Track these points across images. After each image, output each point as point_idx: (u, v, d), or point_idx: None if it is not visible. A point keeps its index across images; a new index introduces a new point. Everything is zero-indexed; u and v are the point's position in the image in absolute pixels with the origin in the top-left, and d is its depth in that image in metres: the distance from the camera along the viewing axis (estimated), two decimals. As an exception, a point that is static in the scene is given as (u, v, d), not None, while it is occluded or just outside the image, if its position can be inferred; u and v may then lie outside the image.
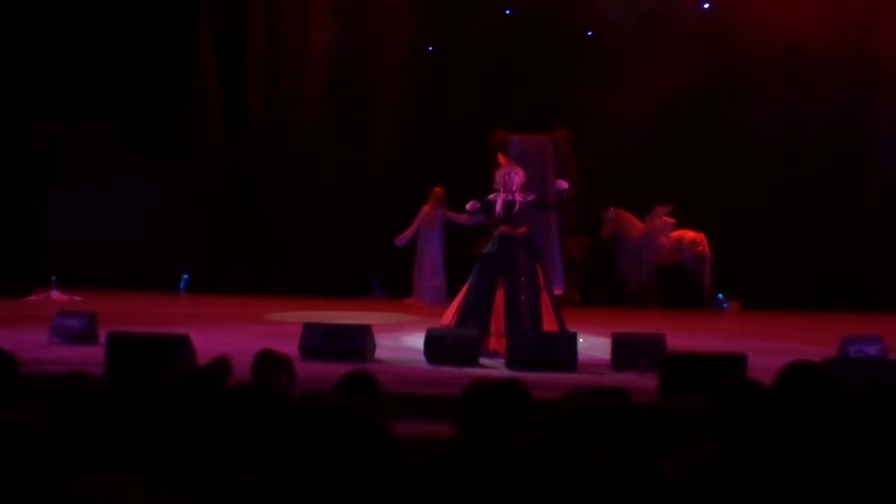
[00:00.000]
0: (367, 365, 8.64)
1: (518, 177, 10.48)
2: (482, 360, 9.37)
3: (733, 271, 15.32)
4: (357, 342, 9.37)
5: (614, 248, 15.88)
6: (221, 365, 4.68)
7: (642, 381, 8.26)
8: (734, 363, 7.88)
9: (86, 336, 9.96)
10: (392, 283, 16.00)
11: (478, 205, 10.57)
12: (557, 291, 12.26)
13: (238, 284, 15.90)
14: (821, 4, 15.28)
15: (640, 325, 12.44)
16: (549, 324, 10.13)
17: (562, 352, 9.14)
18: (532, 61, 16.25)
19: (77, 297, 14.47)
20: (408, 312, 14.16)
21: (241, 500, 2.88)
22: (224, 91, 16.78)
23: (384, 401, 4.16)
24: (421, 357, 9.36)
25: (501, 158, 11.18)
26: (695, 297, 15.21)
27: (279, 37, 16.75)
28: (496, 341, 9.82)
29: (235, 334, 10.88)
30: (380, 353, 9.60)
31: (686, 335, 11.64)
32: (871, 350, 9.24)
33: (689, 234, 15.38)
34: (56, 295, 14.59)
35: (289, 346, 7.96)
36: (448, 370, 8.77)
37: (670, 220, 15.50)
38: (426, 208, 15.46)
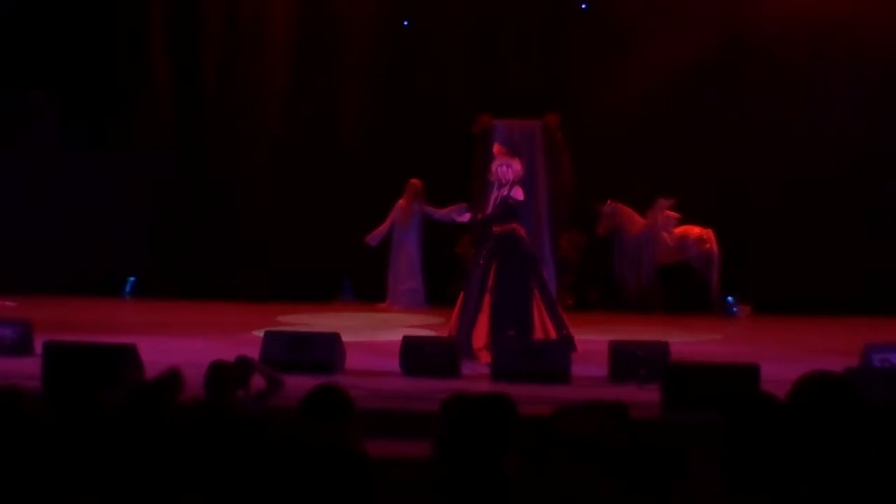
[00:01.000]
0: (336, 377, 8.63)
1: (514, 169, 10.44)
2: (469, 370, 9.38)
3: (744, 271, 15.37)
4: (325, 352, 9.36)
5: (612, 246, 15.90)
6: (172, 378, 4.67)
7: (643, 395, 8.28)
8: (745, 374, 7.90)
9: (20, 346, 9.91)
10: (363, 285, 15.98)
11: (466, 211, 10.67)
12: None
13: (190, 287, 15.85)
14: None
15: (640, 331, 12.46)
16: (543, 330, 10.19)
17: (553, 362, 9.15)
18: (520, 38, 16.26)
19: (10, 303, 14.39)
20: (382, 318, 14.14)
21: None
22: (174, 75, 16.73)
23: (355, 418, 4.15)
24: (396, 368, 9.35)
25: (497, 148, 11.11)
26: (701, 301, 15.25)
27: (237, 21, 16.71)
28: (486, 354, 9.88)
29: (188, 343, 10.83)
30: (350, 364, 9.59)
31: (692, 343, 11.67)
32: (897, 358, 9.29)
33: (695, 231, 15.42)
34: (-14, 300, 14.53)
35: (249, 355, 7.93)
36: (427, 382, 8.77)
37: (674, 214, 15.54)
38: (401, 202, 15.45)
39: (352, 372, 9.35)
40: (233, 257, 16.28)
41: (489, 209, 10.51)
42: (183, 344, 10.83)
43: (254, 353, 9.05)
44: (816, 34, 15.58)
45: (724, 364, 8.48)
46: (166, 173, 16.59)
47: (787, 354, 10.61)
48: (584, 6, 16.31)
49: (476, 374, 9.38)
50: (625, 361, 9.11)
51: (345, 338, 9.73)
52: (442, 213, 15.29)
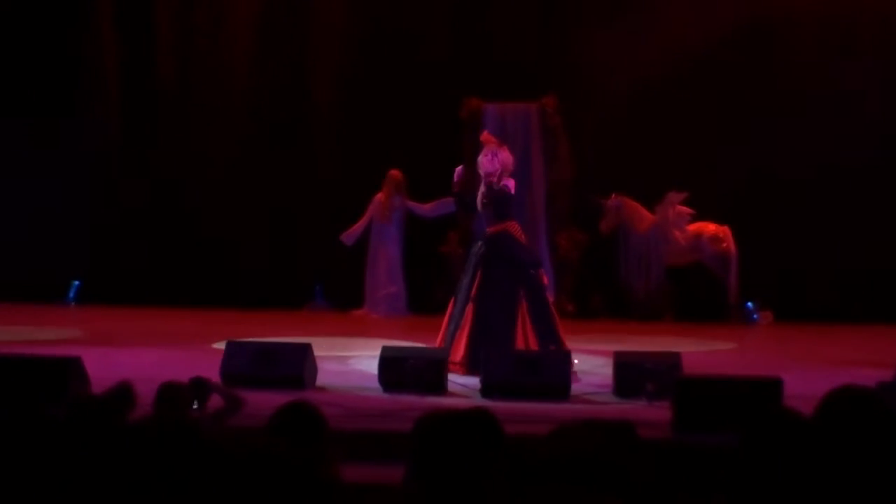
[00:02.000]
0: (306, 394, 8.62)
1: (501, 158, 10.45)
2: (455, 385, 9.39)
3: (765, 274, 15.41)
4: (294, 365, 9.34)
5: (617, 245, 15.93)
6: (122, 393, 4.67)
7: (652, 412, 8.30)
8: (766, 389, 7.92)
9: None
10: (337, 290, 15.98)
11: (453, 199, 10.66)
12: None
13: (142, 293, 15.82)
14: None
15: (649, 341, 12.47)
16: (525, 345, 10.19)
17: (550, 375, 9.15)
18: (513, 10, 16.26)
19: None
20: (358, 327, 14.15)
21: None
22: (124, 61, 16.72)
23: (329, 439, 4.16)
24: (374, 383, 9.35)
25: (485, 136, 11.12)
26: (717, 307, 15.29)
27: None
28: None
29: (140, 355, 10.81)
30: (322, 379, 9.59)
31: (706, 354, 11.69)
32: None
33: (710, 228, 15.46)
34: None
35: (208, 370, 7.92)
36: (408, 400, 8.77)
37: (686, 210, 15.57)
38: (380, 196, 15.46)
39: (324, 388, 9.35)
40: (190, 260, 16.26)
41: (478, 206, 10.50)
42: (134, 356, 10.80)
43: (213, 366, 9.05)
44: (846, 8, 15.64)
45: (743, 378, 8.49)
46: (115, 166, 16.56)
47: (813, 367, 10.63)
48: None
49: (464, 391, 9.38)
50: (631, 375, 9.11)
51: (316, 350, 9.71)
52: (426, 209, 15.32)
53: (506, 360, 9.39)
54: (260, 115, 16.61)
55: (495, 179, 10.38)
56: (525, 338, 10.10)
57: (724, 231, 15.40)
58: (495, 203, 10.37)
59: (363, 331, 13.67)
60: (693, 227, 15.56)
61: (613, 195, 15.71)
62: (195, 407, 5.69)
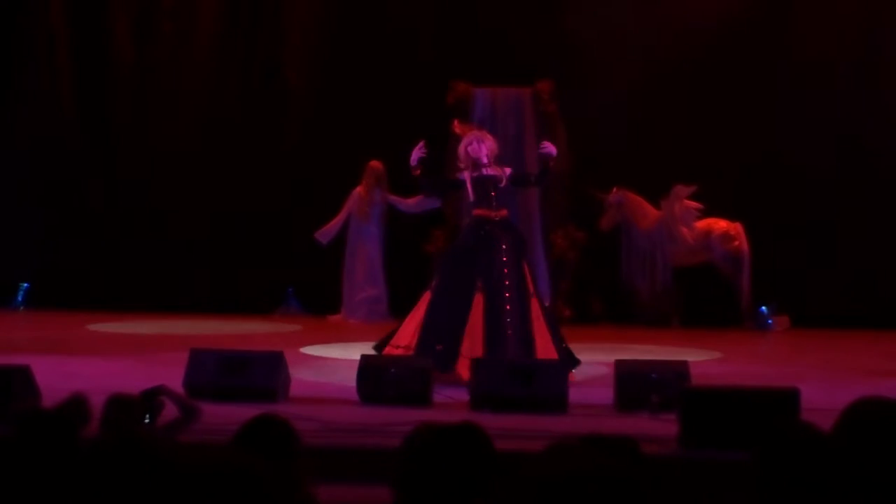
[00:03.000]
0: (278, 406, 8.61)
1: (487, 145, 10.61)
2: (443, 397, 9.40)
3: (781, 275, 15.44)
4: (264, 375, 9.33)
5: (619, 244, 15.95)
6: (75, 407, 4.66)
7: (657, 426, 8.31)
8: (782, 401, 7.93)
9: None
10: (312, 293, 15.98)
11: (423, 175, 10.75)
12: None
13: (98, 297, 15.80)
14: None
15: (654, 349, 12.49)
16: (544, 345, 10.26)
17: (546, 387, 9.16)
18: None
19: None
20: (335, 333, 14.15)
21: None
22: (76, 54, 16.71)
23: (302, 456, 4.16)
24: (353, 395, 9.35)
25: (457, 126, 11.27)
26: (729, 311, 15.31)
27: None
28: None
29: (95, 365, 10.80)
30: (296, 391, 9.58)
31: (717, 362, 11.72)
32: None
33: (721, 225, 15.48)
34: None
35: (170, 381, 7.92)
36: (390, 413, 8.77)
37: (695, 205, 15.60)
38: (359, 190, 15.46)
39: (298, 400, 9.34)
40: (151, 262, 16.23)
41: (471, 194, 10.61)
42: (89, 365, 10.79)
43: (176, 376, 9.04)
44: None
45: (757, 389, 8.50)
46: (68, 163, 16.53)
47: (833, 377, 10.66)
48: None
49: (452, 402, 9.38)
50: (634, 386, 9.12)
51: (290, 358, 9.71)
52: (410, 203, 15.32)
53: (498, 369, 9.39)
54: (226, 108, 16.58)
55: (488, 164, 10.55)
56: (546, 341, 10.24)
57: (735, 228, 15.42)
58: (497, 189, 10.51)
59: (341, 337, 13.67)
60: (702, 224, 15.58)
61: (615, 189, 15.73)
62: (147, 421, 5.69)
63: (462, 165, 10.71)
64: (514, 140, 15.35)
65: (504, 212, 10.64)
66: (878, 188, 15.58)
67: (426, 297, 10.62)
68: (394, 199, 15.34)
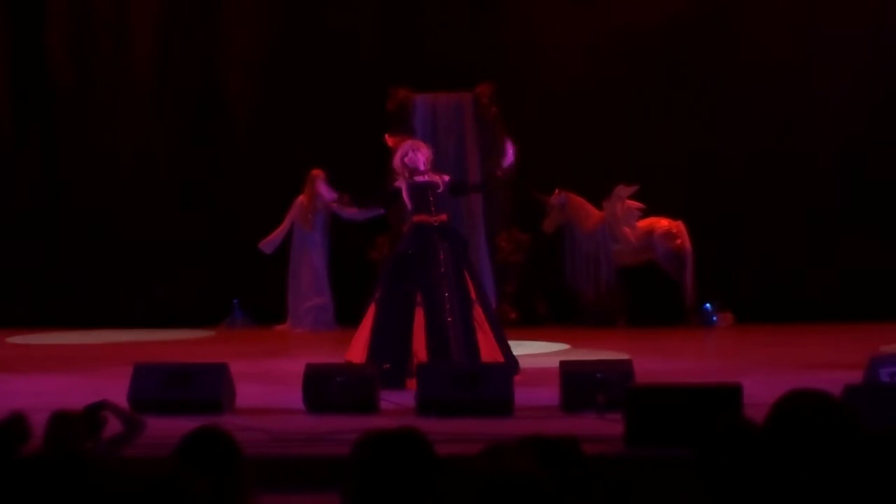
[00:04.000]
0: (224, 418, 8.59)
1: (423, 153, 10.80)
2: (390, 403, 9.41)
3: (723, 272, 15.52)
4: (209, 387, 9.30)
5: (562, 245, 15.98)
6: (14, 425, 4.63)
7: (602, 426, 8.33)
8: (725, 397, 7.98)
9: None
10: (257, 304, 15.92)
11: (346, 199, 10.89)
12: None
13: (38, 313, 15.68)
14: None
15: (598, 348, 12.53)
16: (489, 351, 10.34)
17: (492, 390, 9.17)
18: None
19: None
20: (281, 343, 14.11)
21: None
22: (14, 51, 16.62)
23: (246, 467, 4.14)
24: (299, 405, 9.33)
25: (389, 139, 11.45)
26: (673, 309, 15.37)
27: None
28: None
29: (36, 381, 10.72)
30: (242, 402, 9.56)
31: (661, 360, 11.76)
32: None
33: (663, 224, 15.53)
34: None
35: (114, 396, 7.87)
36: (336, 421, 8.76)
37: (636, 204, 15.65)
38: (301, 199, 15.42)
39: (244, 411, 9.32)
40: (91, 274, 16.11)
41: (408, 203, 10.72)
42: (30, 382, 10.71)
43: (120, 391, 8.99)
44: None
45: (700, 386, 8.55)
46: (6, 173, 16.41)
47: (776, 371, 10.73)
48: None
49: (399, 409, 9.39)
50: (580, 386, 9.15)
51: (235, 369, 9.68)
52: (353, 211, 15.29)
53: (443, 374, 9.41)
54: (166, 113, 16.49)
55: (425, 171, 10.68)
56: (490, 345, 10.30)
57: (677, 226, 15.47)
58: (435, 195, 10.59)
59: (286, 347, 13.63)
60: (644, 224, 15.63)
61: (557, 191, 15.74)
62: (91, 436, 5.65)
63: (398, 175, 10.84)
64: (456, 145, 15.38)
65: (443, 216, 10.74)
66: (815, 184, 15.67)
67: (371, 311, 10.68)
68: (336, 206, 15.30)
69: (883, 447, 3.43)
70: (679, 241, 15.44)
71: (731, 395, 7.99)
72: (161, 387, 9.28)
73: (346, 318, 15.35)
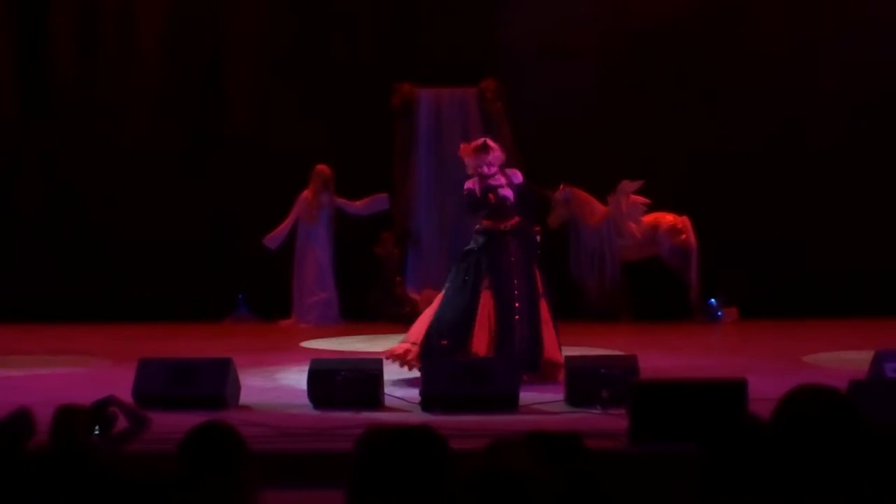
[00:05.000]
0: (228, 413, 8.60)
1: (495, 154, 10.90)
2: (393, 398, 9.43)
3: (729, 268, 15.50)
4: (214, 383, 9.31)
5: (567, 240, 15.97)
6: (19, 421, 4.63)
7: (607, 421, 8.34)
8: (730, 392, 7.98)
9: None
10: (262, 298, 15.91)
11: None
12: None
13: (42, 307, 15.67)
14: None
15: (603, 344, 12.54)
16: (551, 347, 10.55)
17: (497, 385, 9.18)
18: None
19: None
20: (286, 338, 14.11)
21: None
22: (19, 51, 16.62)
23: (250, 463, 4.14)
24: (304, 400, 9.34)
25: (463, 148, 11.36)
26: (677, 305, 15.37)
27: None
28: None
29: (39, 377, 10.73)
30: (246, 397, 9.57)
31: (666, 355, 11.76)
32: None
33: (668, 219, 15.52)
34: None
35: (119, 392, 7.88)
36: (342, 416, 8.77)
37: (641, 199, 15.63)
38: (306, 194, 15.41)
39: (248, 406, 9.34)
40: (96, 269, 16.09)
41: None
42: (34, 378, 10.72)
43: (125, 387, 9.00)
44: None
45: (705, 381, 8.55)
46: (5, 164, 16.41)
47: (782, 367, 10.73)
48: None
49: (402, 404, 9.40)
50: (584, 382, 9.16)
51: (239, 364, 9.70)
52: (358, 206, 15.31)
53: (447, 370, 9.42)
54: (172, 108, 16.46)
55: (496, 174, 10.89)
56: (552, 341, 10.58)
57: (682, 222, 15.46)
58: (507, 198, 10.80)
59: (291, 342, 13.64)
60: (649, 219, 15.61)
61: (561, 186, 15.72)
62: (97, 432, 5.65)
63: (471, 172, 10.91)
64: (460, 140, 15.35)
65: (515, 219, 10.85)
66: (821, 180, 15.65)
67: (438, 298, 10.84)
68: (341, 201, 15.29)
69: (888, 443, 3.43)
70: (684, 237, 15.42)
71: (736, 390, 8.00)
72: (166, 382, 9.30)
73: (351, 312, 15.40)
